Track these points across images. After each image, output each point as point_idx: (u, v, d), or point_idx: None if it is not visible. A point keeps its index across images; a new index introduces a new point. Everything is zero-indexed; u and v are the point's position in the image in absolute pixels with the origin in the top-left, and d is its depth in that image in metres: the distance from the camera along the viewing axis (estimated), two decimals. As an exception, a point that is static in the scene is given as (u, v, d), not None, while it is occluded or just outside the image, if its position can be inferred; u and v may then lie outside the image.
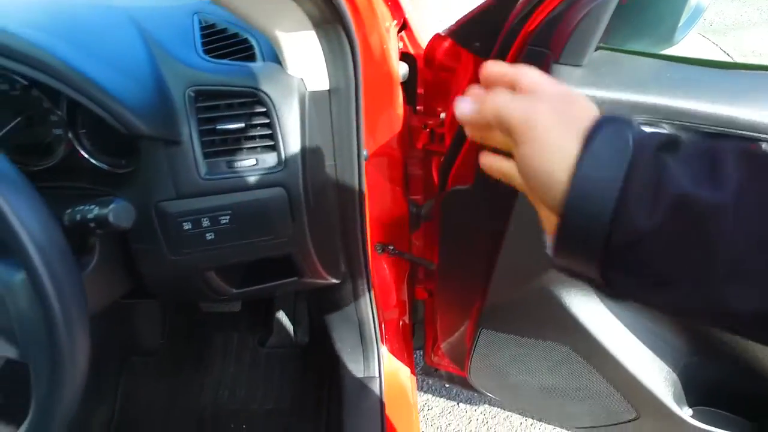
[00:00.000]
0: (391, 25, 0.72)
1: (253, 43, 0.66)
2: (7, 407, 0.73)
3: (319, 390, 1.19)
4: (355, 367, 1.07)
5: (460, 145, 0.76)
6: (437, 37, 0.72)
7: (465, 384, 1.35)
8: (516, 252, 0.73)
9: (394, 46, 0.73)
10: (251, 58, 0.64)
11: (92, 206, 0.49)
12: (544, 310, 0.78)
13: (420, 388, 1.56)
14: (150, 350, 1.23)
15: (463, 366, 1.04)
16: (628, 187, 0.27)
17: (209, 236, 0.60)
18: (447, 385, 1.57)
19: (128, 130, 0.53)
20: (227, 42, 0.66)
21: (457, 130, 0.76)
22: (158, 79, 0.58)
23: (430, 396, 1.55)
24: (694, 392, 0.83)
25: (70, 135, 0.65)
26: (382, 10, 0.68)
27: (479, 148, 0.38)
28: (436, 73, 0.78)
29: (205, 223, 0.59)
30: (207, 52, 0.64)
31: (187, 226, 0.59)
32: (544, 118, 0.30)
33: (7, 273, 0.43)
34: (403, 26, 0.78)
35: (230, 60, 0.63)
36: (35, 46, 0.51)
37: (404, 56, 0.79)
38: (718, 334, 0.74)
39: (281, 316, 1.23)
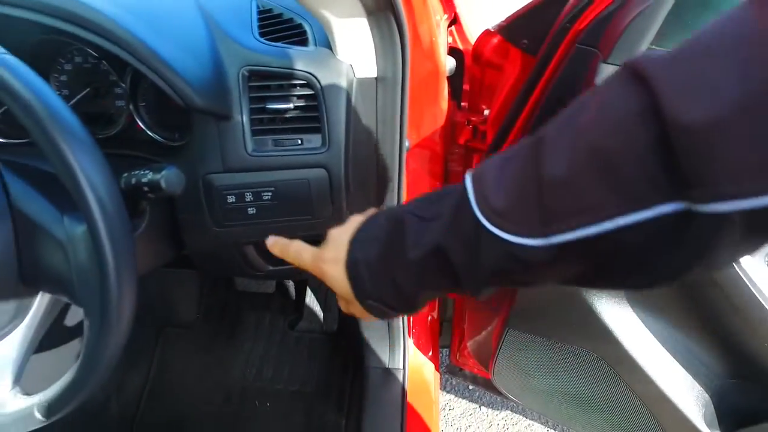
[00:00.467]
0: (441, 19, 0.73)
1: (307, 28, 0.68)
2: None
3: (344, 377, 1.20)
4: (381, 358, 1.08)
5: (502, 143, 0.77)
6: (486, 33, 0.73)
7: (489, 386, 1.35)
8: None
9: (443, 40, 0.74)
10: (304, 42, 0.67)
11: (146, 171, 0.52)
12: (574, 314, 0.77)
13: (443, 388, 1.56)
14: (185, 323, 1.28)
15: (488, 366, 1.04)
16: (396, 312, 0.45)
17: (251, 211, 0.63)
18: (470, 387, 1.56)
19: (185, 103, 0.56)
20: (282, 26, 0.68)
21: (500, 128, 0.77)
22: (215, 57, 0.60)
23: (452, 396, 1.55)
24: (728, 417, 0.80)
25: (131, 107, 0.69)
26: (434, 3, 0.69)
27: None
28: (483, 70, 0.79)
29: (248, 197, 0.62)
30: (262, 34, 0.66)
31: (231, 199, 0.62)
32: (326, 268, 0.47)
33: (71, 225, 0.46)
34: (454, 21, 0.78)
35: (284, 43, 0.65)
36: (109, 19, 0.54)
37: (452, 51, 0.80)
38: (760, 358, 0.71)
39: (312, 301, 1.25)
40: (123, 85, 0.68)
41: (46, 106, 0.42)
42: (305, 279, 1.22)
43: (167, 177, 0.50)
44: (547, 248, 0.31)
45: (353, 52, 0.64)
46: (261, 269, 0.73)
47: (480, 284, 0.38)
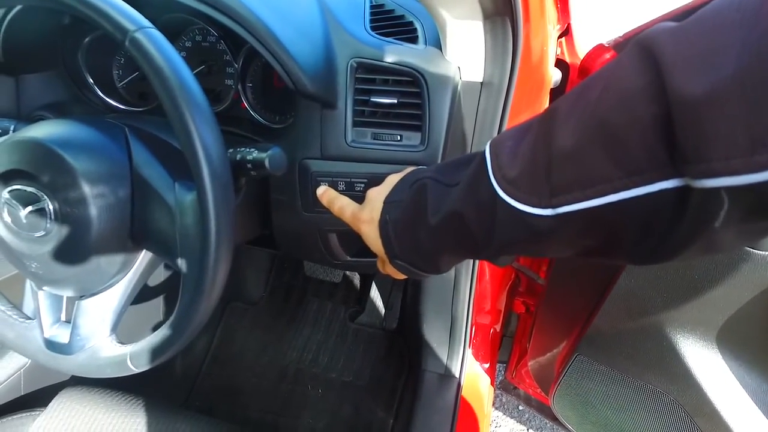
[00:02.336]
0: (554, 29, 0.70)
1: (418, 26, 0.68)
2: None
3: (397, 378, 1.20)
4: (438, 363, 1.07)
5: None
6: (599, 48, 0.70)
7: (541, 409, 1.30)
8: (635, 281, 0.69)
9: (552, 50, 0.72)
10: (414, 40, 0.67)
11: (252, 149, 0.54)
12: (653, 350, 0.73)
13: (492, 403, 1.53)
14: (251, 300, 1.33)
15: (548, 390, 1.00)
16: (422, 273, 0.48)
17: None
18: (520, 408, 1.52)
19: (296, 87, 0.58)
20: (393, 22, 0.69)
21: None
22: (328, 46, 0.62)
23: (500, 414, 1.51)
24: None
25: (239, 87, 0.72)
26: (551, 13, 0.67)
27: None
28: (588, 85, 0.76)
29: (341, 186, 0.63)
30: (373, 28, 0.67)
31: (324, 186, 0.63)
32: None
33: (181, 192, 0.49)
34: (565, 32, 0.76)
35: (394, 39, 0.66)
36: (238, 1, 0.57)
37: (559, 63, 0.77)
38: None
39: (375, 297, 1.26)
40: (235, 65, 0.71)
41: (179, 78, 0.44)
42: (373, 273, 1.23)
43: (272, 157, 0.52)
44: (555, 218, 0.32)
45: (462, 55, 0.64)
46: (339, 258, 0.74)
47: (496, 251, 0.39)
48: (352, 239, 0.74)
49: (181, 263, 0.49)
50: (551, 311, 0.93)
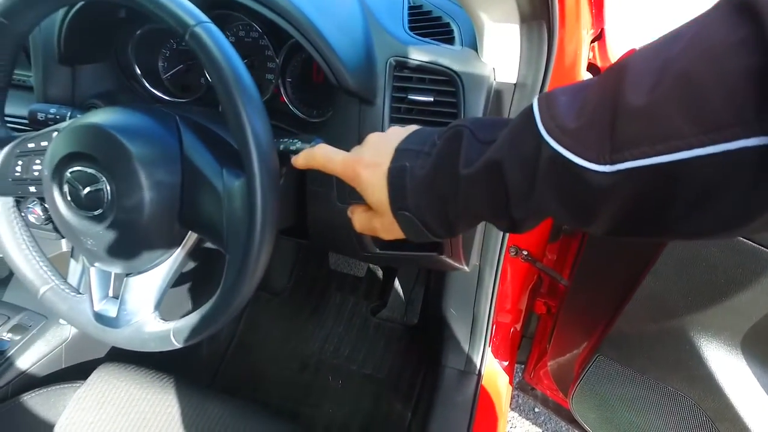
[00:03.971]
0: (588, 34, 0.72)
1: (454, 28, 0.71)
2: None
3: (416, 372, 1.23)
4: (458, 359, 1.09)
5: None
6: (633, 52, 0.71)
7: (558, 411, 1.31)
8: (660, 284, 0.70)
9: (585, 55, 0.73)
10: (450, 41, 0.69)
11: (295, 140, 0.56)
12: (676, 353, 0.73)
13: (509, 403, 1.54)
14: (276, 290, 1.36)
15: (567, 390, 1.01)
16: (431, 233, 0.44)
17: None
18: (537, 410, 1.53)
19: (338, 82, 0.61)
20: (431, 23, 0.71)
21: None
22: (368, 44, 0.64)
23: (516, 415, 1.52)
24: None
25: (279, 82, 0.75)
26: (585, 18, 0.68)
27: None
28: (619, 89, 0.77)
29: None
30: (411, 29, 0.70)
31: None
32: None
33: (229, 179, 0.52)
34: (599, 36, 0.77)
35: (431, 39, 0.68)
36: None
37: (590, 67, 0.78)
38: None
39: (398, 293, 1.28)
40: (277, 60, 0.74)
41: (234, 69, 0.47)
42: (398, 267, 1.25)
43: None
44: (613, 175, 0.30)
45: (498, 56, 0.65)
46: (368, 250, 0.76)
47: (529, 211, 0.37)
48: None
49: (227, 245, 0.52)
50: (573, 312, 0.94)
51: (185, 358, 1.21)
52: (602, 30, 0.76)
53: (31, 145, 0.61)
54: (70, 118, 0.66)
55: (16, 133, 0.63)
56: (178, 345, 0.56)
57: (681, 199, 0.29)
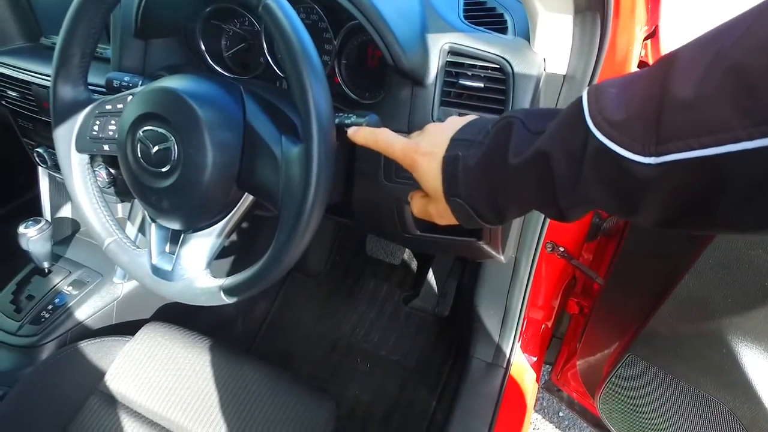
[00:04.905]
0: (641, 30, 0.72)
1: (507, 18, 0.72)
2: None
3: (444, 362, 1.24)
4: (486, 351, 1.10)
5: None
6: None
7: (584, 414, 1.30)
8: (700, 283, 0.70)
9: (636, 51, 0.74)
10: (503, 31, 0.71)
11: (350, 115, 0.59)
12: (712, 357, 0.73)
13: (534, 402, 1.53)
14: (312, 273, 1.40)
15: (595, 391, 1.01)
16: (481, 218, 0.46)
17: (421, 172, 0.68)
18: (561, 414, 1.52)
19: (395, 63, 0.63)
20: (485, 13, 0.73)
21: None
22: (424, 29, 0.67)
23: (539, 417, 1.52)
24: None
25: (335, 63, 0.79)
26: (640, 13, 0.69)
27: None
28: (669, 89, 0.77)
29: (423, 160, 0.67)
30: (466, 17, 0.72)
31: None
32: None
33: (287, 146, 0.55)
34: (652, 34, 0.78)
35: (485, 28, 0.70)
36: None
37: (641, 65, 0.79)
38: None
39: (431, 283, 1.30)
40: (334, 42, 0.77)
41: (302, 42, 0.50)
42: (434, 255, 1.27)
43: (369, 122, 0.58)
44: (657, 167, 0.31)
45: (549, 47, 0.67)
46: (409, 231, 0.78)
47: (575, 200, 0.38)
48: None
49: (281, 207, 0.55)
50: (606, 310, 0.94)
51: (224, 329, 1.26)
52: (656, 28, 0.77)
53: (108, 107, 0.66)
54: (141, 85, 0.71)
55: (95, 96, 0.69)
56: (226, 300, 0.60)
57: (729, 193, 0.29)
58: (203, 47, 0.85)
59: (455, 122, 0.50)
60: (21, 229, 0.92)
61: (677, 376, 0.79)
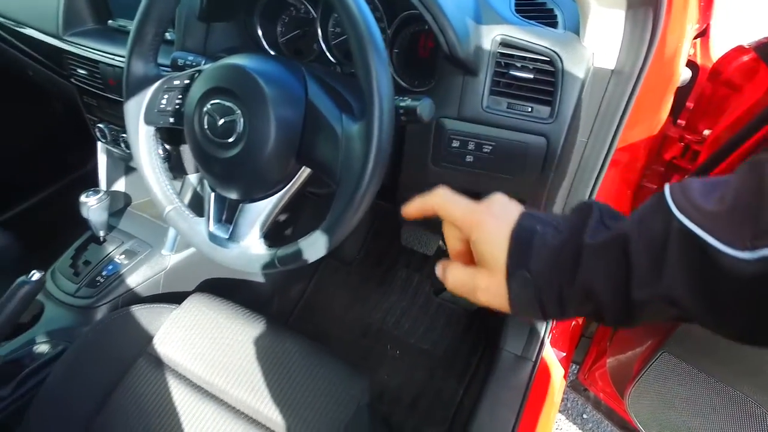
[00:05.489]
0: (692, 28, 0.73)
1: (558, 13, 0.74)
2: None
3: (473, 354, 1.26)
4: (516, 344, 1.12)
5: (714, 167, 0.75)
6: (738, 49, 0.72)
7: (609, 416, 1.30)
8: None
9: (686, 49, 0.75)
10: (553, 25, 0.73)
11: (405, 98, 0.62)
12: (751, 358, 0.73)
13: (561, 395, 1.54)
14: (346, 259, 1.44)
15: (624, 389, 1.01)
16: (540, 304, 0.39)
17: (468, 158, 0.71)
18: (584, 416, 1.51)
19: (449, 51, 0.66)
20: (536, 7, 0.75)
21: (717, 151, 0.75)
22: (478, 20, 0.69)
23: (563, 417, 1.52)
24: None
25: (387, 52, 0.82)
26: (692, 11, 0.70)
27: None
28: (716, 88, 0.78)
29: (471, 146, 0.70)
30: (518, 11, 0.74)
31: (455, 143, 0.70)
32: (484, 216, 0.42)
33: (348, 123, 0.58)
34: (702, 33, 0.78)
35: (536, 22, 0.72)
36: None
37: (689, 64, 0.80)
38: None
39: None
40: (388, 32, 0.80)
41: (367, 22, 0.53)
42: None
43: (423, 105, 0.61)
44: (752, 262, 0.28)
45: (599, 41, 0.69)
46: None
47: (651, 293, 0.33)
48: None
49: (339, 180, 0.58)
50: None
51: (262, 305, 1.30)
52: (707, 27, 0.77)
53: (176, 83, 0.71)
54: (204, 65, 0.75)
55: (164, 72, 0.73)
56: (279, 267, 0.64)
57: None
58: (260, 32, 0.89)
59: (513, 203, 0.44)
60: (82, 198, 0.98)
61: (713, 376, 0.80)
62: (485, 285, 0.42)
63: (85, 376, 0.84)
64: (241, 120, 0.61)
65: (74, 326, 0.96)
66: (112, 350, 0.87)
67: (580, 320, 1.16)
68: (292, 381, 0.81)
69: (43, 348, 0.90)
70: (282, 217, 1.32)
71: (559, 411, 1.53)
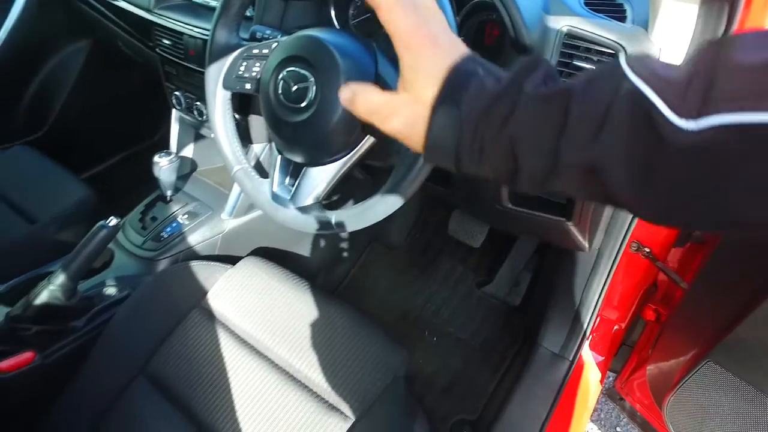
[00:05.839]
0: (768, 30, 0.72)
1: (627, 7, 0.75)
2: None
3: (509, 348, 1.26)
4: (554, 342, 1.12)
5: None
6: None
7: (644, 427, 1.27)
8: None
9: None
10: (622, 20, 0.73)
11: None
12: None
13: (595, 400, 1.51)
14: (392, 245, 1.47)
15: (663, 398, 1.00)
16: (459, 148, 0.37)
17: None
18: (618, 429, 1.49)
19: (516, 38, 0.68)
20: (605, 1, 0.76)
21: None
22: (546, 10, 0.71)
23: (594, 426, 1.50)
24: None
25: (453, 38, 0.84)
26: (771, 10, 0.69)
27: None
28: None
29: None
30: (586, 4, 0.75)
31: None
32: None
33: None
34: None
35: (604, 15, 0.73)
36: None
37: None
38: None
39: (506, 272, 1.33)
40: (456, 19, 0.83)
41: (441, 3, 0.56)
42: (512, 244, 1.30)
43: None
44: (692, 133, 0.27)
45: (667, 37, 0.69)
46: (502, 204, 0.83)
47: (581, 155, 0.31)
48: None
49: (398, 152, 0.61)
50: (687, 315, 0.93)
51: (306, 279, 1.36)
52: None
53: (255, 51, 0.76)
54: (281, 38, 0.80)
55: (244, 42, 0.79)
56: (335, 230, 0.68)
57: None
58: (333, 13, 0.93)
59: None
60: (156, 158, 1.06)
61: (760, 388, 0.78)
62: (404, 113, 0.40)
63: (144, 320, 0.91)
64: (314, 87, 0.65)
65: (139, 274, 1.04)
66: (170, 300, 0.93)
67: (623, 326, 1.14)
68: (333, 345, 0.85)
69: (111, 291, 0.98)
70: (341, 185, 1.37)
71: (593, 421, 1.51)
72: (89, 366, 0.87)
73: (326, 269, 1.41)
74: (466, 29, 0.84)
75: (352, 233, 1.48)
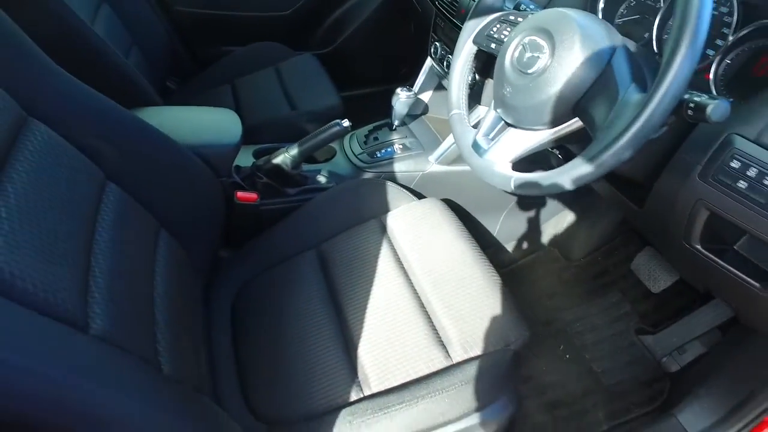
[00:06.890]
0: None
1: None
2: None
3: (638, 406, 1.16)
4: (693, 422, 1.00)
5: None
6: None
7: None
8: None
9: None
10: None
11: (701, 94, 0.61)
12: None
13: None
14: (570, 256, 1.45)
15: None
16: None
17: (741, 184, 0.66)
18: None
19: None
20: None
21: None
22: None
23: None
24: None
25: (716, 60, 0.79)
26: None
27: None
28: None
29: (751, 172, 0.65)
30: None
31: (735, 163, 0.66)
32: None
33: (632, 92, 0.62)
34: None
35: None
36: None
37: None
38: None
39: (675, 333, 1.21)
40: (729, 38, 0.77)
41: (700, 10, 0.55)
42: (692, 306, 1.17)
43: (717, 106, 0.59)
44: None
45: None
46: (691, 241, 0.77)
47: None
48: (715, 229, 0.75)
49: (596, 134, 0.64)
50: None
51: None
52: None
53: (511, 18, 0.84)
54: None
55: (507, 8, 0.87)
56: (512, 188, 0.73)
57: None
58: (601, 6, 0.95)
59: None
60: (398, 90, 1.25)
61: None
62: None
63: (333, 211, 1.10)
64: (546, 59, 0.70)
65: (346, 176, 1.24)
66: (358, 204, 1.10)
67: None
68: (467, 296, 0.92)
69: (322, 179, 1.21)
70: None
71: None
72: (283, 225, 1.09)
73: (496, 248, 1.46)
74: (737, 52, 0.78)
75: (542, 226, 1.49)
